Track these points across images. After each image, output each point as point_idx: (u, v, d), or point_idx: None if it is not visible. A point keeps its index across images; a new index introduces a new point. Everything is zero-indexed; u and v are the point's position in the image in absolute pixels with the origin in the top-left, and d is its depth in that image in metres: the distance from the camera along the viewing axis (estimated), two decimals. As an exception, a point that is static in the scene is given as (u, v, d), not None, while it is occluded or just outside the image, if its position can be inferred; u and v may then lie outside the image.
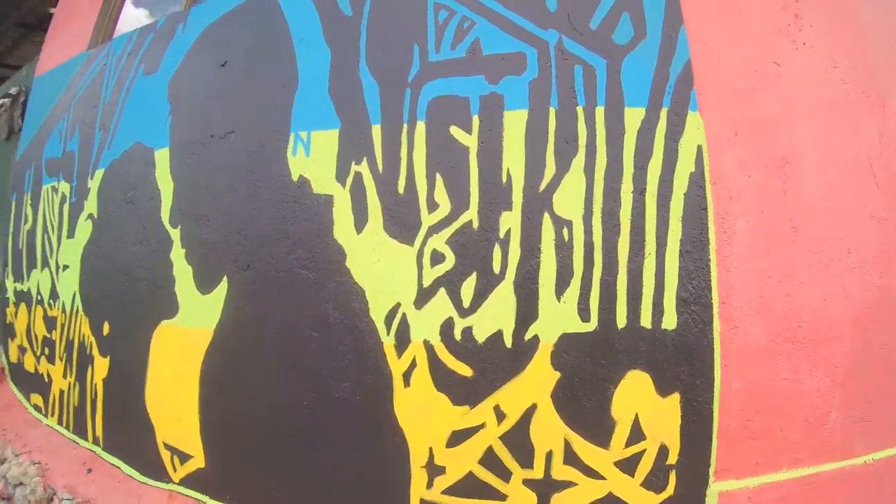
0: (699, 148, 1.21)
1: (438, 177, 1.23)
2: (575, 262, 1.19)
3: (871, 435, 1.34)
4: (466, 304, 1.20)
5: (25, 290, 2.23)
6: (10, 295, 2.39)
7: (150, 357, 1.55)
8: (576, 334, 1.16)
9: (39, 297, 2.12)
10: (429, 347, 1.20)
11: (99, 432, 1.74)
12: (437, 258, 1.21)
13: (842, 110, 1.47)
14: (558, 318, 1.18)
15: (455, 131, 1.24)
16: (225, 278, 1.39)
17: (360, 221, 1.26)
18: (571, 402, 1.15)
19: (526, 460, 1.17)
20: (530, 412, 1.17)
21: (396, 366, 1.22)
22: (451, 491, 1.21)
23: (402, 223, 1.23)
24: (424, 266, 1.21)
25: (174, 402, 1.49)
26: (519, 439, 1.16)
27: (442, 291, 1.20)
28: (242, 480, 1.42)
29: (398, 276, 1.22)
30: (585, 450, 1.14)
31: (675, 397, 1.12)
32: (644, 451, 1.13)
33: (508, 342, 1.18)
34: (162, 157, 1.61)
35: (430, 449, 1.21)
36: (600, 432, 1.13)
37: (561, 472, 1.17)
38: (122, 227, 1.70)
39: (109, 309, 1.73)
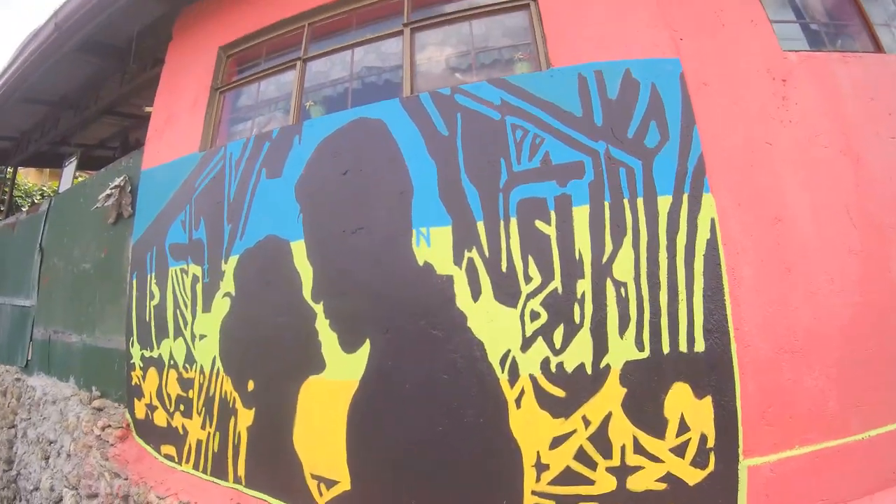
0: (712, 220, 2.16)
1: (530, 258, 2.11)
2: (630, 311, 2.12)
3: (866, 416, 2.13)
4: (558, 346, 2.11)
5: (156, 357, 3.01)
6: (137, 360, 3.18)
7: (298, 405, 2.45)
8: (635, 360, 2.04)
9: (173, 362, 2.91)
10: (533, 379, 2.08)
11: (241, 472, 2.60)
12: (534, 315, 2.11)
13: (823, 171, 2.39)
14: (622, 350, 2.09)
15: (539, 224, 2.16)
16: (368, 340, 2.28)
17: (476, 293, 2.13)
18: (636, 408, 2.02)
19: (607, 453, 2.04)
20: (608, 418, 2.06)
21: (510, 394, 2.08)
22: (554, 482, 2.07)
23: (506, 293, 2.11)
24: (526, 322, 2.09)
25: (322, 439, 2.34)
26: (601, 438, 2.02)
27: (540, 339, 2.09)
28: (385, 495, 2.28)
29: (507, 330, 2.08)
30: (648, 441, 2.00)
31: (709, 399, 2.00)
32: (689, 439, 2.00)
33: (589, 370, 2.10)
34: (298, 247, 2.46)
35: (538, 452, 2.10)
36: (657, 428, 2.00)
37: (632, 459, 2.02)
38: (263, 303, 2.52)
39: (253, 369, 2.53)
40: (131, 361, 3.23)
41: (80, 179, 5.49)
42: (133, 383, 3.21)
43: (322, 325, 2.37)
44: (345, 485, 2.30)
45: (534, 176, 2.18)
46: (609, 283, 2.11)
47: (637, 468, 2.05)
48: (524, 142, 2.22)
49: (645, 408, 2.06)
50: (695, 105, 2.27)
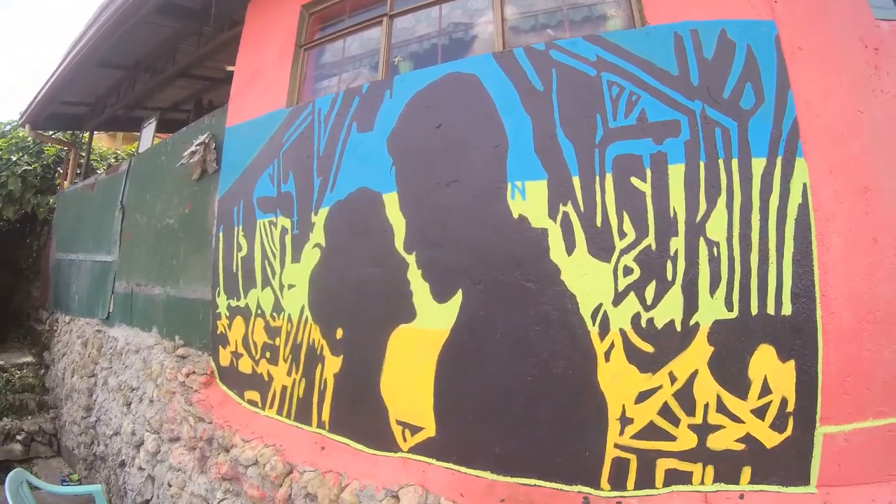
0: (804, 185, 2.17)
1: (625, 213, 2.17)
2: (722, 270, 2.15)
3: (940, 396, 2.28)
4: (649, 302, 2.15)
5: (242, 306, 3.19)
6: (223, 310, 3.35)
7: (386, 353, 2.52)
8: (724, 320, 2.10)
9: (260, 311, 3.08)
10: (623, 333, 2.15)
11: (326, 417, 2.70)
12: (627, 271, 2.16)
13: (911, 143, 2.41)
14: (712, 309, 2.12)
15: (634, 181, 2.19)
16: (460, 290, 2.34)
17: (570, 247, 2.20)
18: (721, 368, 2.08)
19: (690, 410, 2.11)
20: (694, 376, 2.12)
21: (599, 347, 2.16)
22: (637, 436, 2.14)
23: (601, 247, 2.18)
24: (619, 277, 2.16)
25: (410, 386, 2.43)
26: (685, 395, 2.09)
27: (632, 294, 2.15)
28: (469, 442, 2.36)
29: (600, 285, 2.15)
30: (731, 401, 2.07)
31: (792, 363, 2.05)
32: (771, 401, 2.06)
33: (678, 327, 2.14)
34: (390, 199, 2.55)
35: (623, 405, 2.16)
36: (741, 388, 2.06)
37: (714, 418, 2.10)
38: (354, 253, 2.64)
39: (343, 317, 2.67)
40: (217, 311, 3.37)
41: (156, 141, 5.74)
42: (218, 332, 3.35)
43: (414, 275, 2.43)
44: (429, 431, 2.38)
45: (630, 133, 2.21)
46: (702, 241, 2.14)
47: (718, 427, 2.10)
48: (620, 98, 2.25)
49: (730, 367, 2.11)
50: (789, 69, 2.25)
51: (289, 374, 2.88)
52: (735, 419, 2.08)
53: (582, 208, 2.22)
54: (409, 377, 2.45)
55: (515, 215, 2.28)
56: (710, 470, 2.09)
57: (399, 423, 2.48)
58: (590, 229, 2.21)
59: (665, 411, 2.13)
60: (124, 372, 4.28)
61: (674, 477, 2.11)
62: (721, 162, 2.18)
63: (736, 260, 2.14)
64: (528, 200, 2.27)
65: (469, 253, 2.34)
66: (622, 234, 2.19)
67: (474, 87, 2.45)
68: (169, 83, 5.80)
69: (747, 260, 2.14)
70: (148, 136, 5.48)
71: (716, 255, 2.15)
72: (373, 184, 2.65)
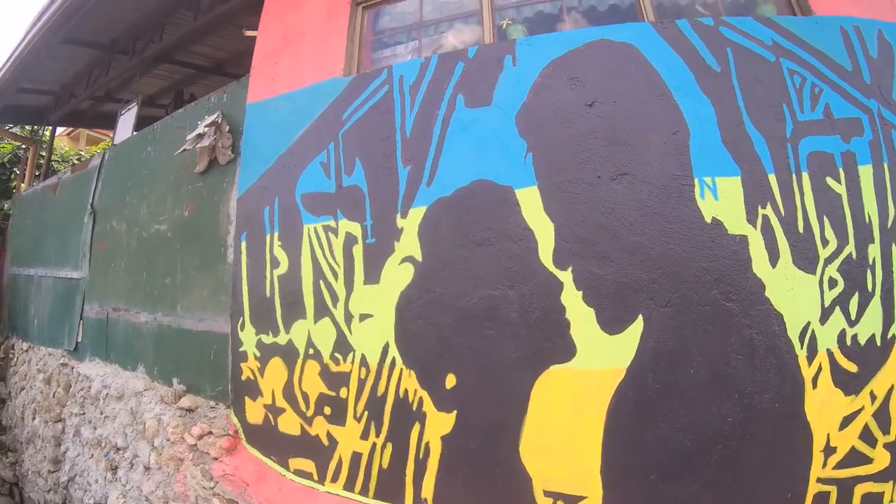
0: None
1: (825, 218, 1.85)
2: (914, 278, 1.92)
3: None
4: (853, 317, 1.84)
5: (282, 344, 2.27)
6: (250, 348, 2.35)
7: (530, 404, 1.83)
8: (917, 329, 1.90)
9: (312, 351, 2.20)
10: (829, 354, 1.81)
11: (428, 493, 1.92)
12: (832, 283, 1.83)
13: None
14: (906, 319, 1.90)
15: (830, 181, 1.86)
16: (640, 316, 1.78)
17: (774, 257, 1.79)
18: None
19: (885, 428, 1.88)
20: (890, 391, 1.88)
21: (807, 372, 1.79)
22: (838, 465, 1.84)
23: (805, 257, 1.81)
24: (824, 290, 1.82)
25: (565, 446, 1.82)
26: (883, 414, 1.87)
27: (837, 309, 1.82)
28: None
29: (807, 300, 1.80)
30: None
31: None
32: None
33: (878, 342, 1.86)
34: (528, 195, 1.90)
35: (828, 434, 1.83)
36: None
37: None
38: (472, 270, 1.95)
39: (456, 360, 1.95)
40: (240, 349, 2.44)
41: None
42: (243, 377, 2.43)
43: (571, 298, 1.82)
44: (594, 500, 1.82)
45: (819, 128, 1.93)
46: (894, 248, 1.86)
47: (907, 441, 1.88)
48: (803, 89, 1.93)
49: (923, 377, 1.90)
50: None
51: (364, 436, 2.07)
52: (927, 432, 1.87)
53: (782, 211, 1.82)
54: (564, 434, 1.83)
55: (708, 219, 1.80)
56: (899, 486, 1.87)
57: (548, 494, 1.85)
58: (792, 236, 1.82)
59: (865, 434, 1.86)
60: (104, 424, 3.19)
61: (868, 500, 1.86)
62: (901, 166, 1.95)
63: (927, 267, 1.92)
64: (722, 201, 1.81)
65: (651, 266, 1.80)
66: (825, 242, 1.84)
67: (635, 60, 1.92)
68: (148, 69, 4.79)
69: (939, 267, 1.94)
70: (126, 124, 4.30)
71: (908, 263, 1.90)
72: (498, 175, 1.97)
